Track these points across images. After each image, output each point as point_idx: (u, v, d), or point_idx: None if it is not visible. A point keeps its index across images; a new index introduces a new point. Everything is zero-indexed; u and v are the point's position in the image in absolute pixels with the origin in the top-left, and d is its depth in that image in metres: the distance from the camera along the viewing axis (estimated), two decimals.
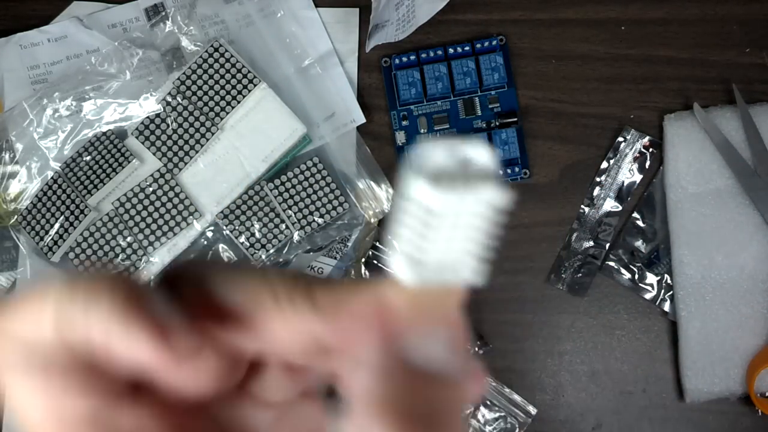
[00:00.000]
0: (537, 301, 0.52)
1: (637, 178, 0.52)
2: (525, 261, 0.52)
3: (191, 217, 0.51)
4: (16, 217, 0.51)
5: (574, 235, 0.52)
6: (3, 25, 0.54)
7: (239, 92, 0.51)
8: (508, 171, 0.51)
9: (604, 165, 0.52)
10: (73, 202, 0.50)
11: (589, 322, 0.51)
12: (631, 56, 0.53)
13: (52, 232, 0.50)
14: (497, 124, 0.52)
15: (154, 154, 0.51)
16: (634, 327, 0.51)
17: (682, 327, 0.49)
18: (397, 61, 0.53)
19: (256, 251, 0.50)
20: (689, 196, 0.50)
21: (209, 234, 0.52)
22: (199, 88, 0.51)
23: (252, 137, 0.51)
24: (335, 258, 0.52)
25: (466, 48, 0.52)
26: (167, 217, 0.50)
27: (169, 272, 0.18)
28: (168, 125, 0.51)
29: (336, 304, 0.17)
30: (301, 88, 0.53)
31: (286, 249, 0.51)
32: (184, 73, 0.51)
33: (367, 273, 0.52)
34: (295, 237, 0.51)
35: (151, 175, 0.51)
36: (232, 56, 0.51)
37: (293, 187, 0.51)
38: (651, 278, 0.51)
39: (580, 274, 0.51)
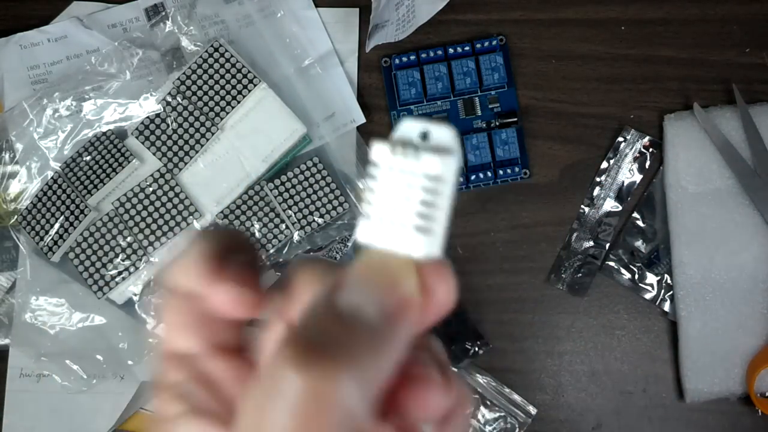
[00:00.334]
0: (537, 301, 0.52)
1: (637, 178, 0.52)
2: (525, 261, 0.52)
3: (191, 217, 0.51)
4: (16, 217, 0.51)
5: (574, 235, 0.52)
6: (3, 25, 0.54)
7: (239, 92, 0.51)
8: (509, 171, 0.51)
9: (604, 165, 0.52)
10: (73, 202, 0.50)
11: (589, 322, 0.51)
12: (631, 56, 0.53)
13: (52, 232, 0.50)
14: (497, 124, 0.52)
15: (154, 154, 0.51)
16: (634, 327, 0.51)
17: (682, 327, 0.49)
18: (397, 61, 0.52)
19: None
20: (689, 196, 0.50)
21: None
22: (199, 88, 0.51)
23: (252, 137, 0.51)
24: (335, 258, 0.52)
25: (466, 48, 0.52)
26: (167, 217, 0.51)
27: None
28: (168, 125, 0.51)
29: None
30: (301, 88, 0.53)
31: (286, 249, 0.51)
32: (184, 73, 0.51)
33: None
34: (295, 237, 0.51)
35: (151, 175, 0.51)
36: (232, 56, 0.51)
37: (293, 187, 0.51)
38: (651, 278, 0.51)
39: (580, 274, 0.51)
